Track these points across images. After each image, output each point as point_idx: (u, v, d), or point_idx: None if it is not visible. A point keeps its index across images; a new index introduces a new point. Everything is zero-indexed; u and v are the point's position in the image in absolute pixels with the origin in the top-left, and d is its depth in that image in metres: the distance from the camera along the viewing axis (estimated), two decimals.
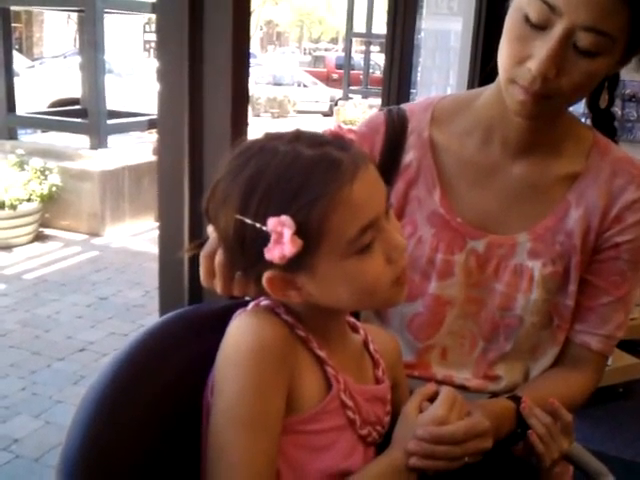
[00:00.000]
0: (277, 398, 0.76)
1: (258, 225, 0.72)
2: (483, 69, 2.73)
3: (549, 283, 1.07)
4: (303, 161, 0.73)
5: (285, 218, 0.71)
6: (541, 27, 0.91)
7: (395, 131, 1.13)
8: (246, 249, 0.75)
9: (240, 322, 0.79)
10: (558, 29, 0.90)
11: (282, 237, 0.71)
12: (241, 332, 0.78)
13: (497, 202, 1.10)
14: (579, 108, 1.05)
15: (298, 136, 0.77)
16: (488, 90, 1.09)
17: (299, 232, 0.71)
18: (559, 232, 1.08)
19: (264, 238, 0.72)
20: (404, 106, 1.18)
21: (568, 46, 0.90)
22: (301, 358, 0.80)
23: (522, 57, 0.94)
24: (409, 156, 1.12)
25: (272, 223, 0.71)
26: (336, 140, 0.78)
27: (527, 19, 0.92)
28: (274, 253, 0.71)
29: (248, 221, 0.73)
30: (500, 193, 1.09)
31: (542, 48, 0.91)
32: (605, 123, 1.15)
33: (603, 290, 1.09)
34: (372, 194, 0.76)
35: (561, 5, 0.89)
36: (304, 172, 0.73)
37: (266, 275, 0.76)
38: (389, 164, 1.12)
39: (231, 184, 0.76)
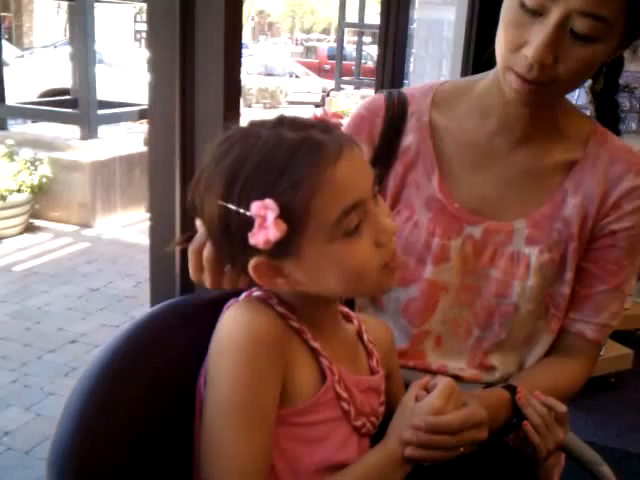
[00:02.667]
0: (271, 390, 0.75)
1: (242, 210, 0.71)
2: (477, 59, 2.72)
3: (546, 270, 1.07)
4: (286, 144, 0.72)
5: (268, 201, 0.69)
6: (537, 13, 0.90)
7: (395, 114, 1.13)
8: (232, 237, 0.74)
9: (233, 313, 0.78)
10: (554, 15, 0.89)
11: (266, 221, 0.69)
12: (234, 323, 0.77)
13: (495, 188, 1.09)
14: (579, 99, 1.04)
15: (281, 121, 0.76)
16: (488, 76, 1.09)
17: (283, 215, 0.70)
18: (556, 219, 1.07)
19: (249, 224, 0.70)
20: (404, 90, 1.17)
21: (565, 32, 0.90)
22: (295, 349, 0.79)
23: (518, 44, 0.93)
24: (408, 139, 1.12)
25: (255, 207, 0.70)
26: (320, 124, 0.77)
27: (523, 5, 0.91)
28: (258, 238, 0.70)
29: (232, 207, 0.72)
30: (498, 179, 1.09)
31: (538, 34, 0.90)
32: (608, 111, 1.14)
33: (599, 278, 1.09)
34: (357, 176, 0.75)
35: None
36: (287, 155, 0.72)
37: (252, 262, 0.75)
38: (388, 147, 1.12)
39: (215, 171, 0.74)
